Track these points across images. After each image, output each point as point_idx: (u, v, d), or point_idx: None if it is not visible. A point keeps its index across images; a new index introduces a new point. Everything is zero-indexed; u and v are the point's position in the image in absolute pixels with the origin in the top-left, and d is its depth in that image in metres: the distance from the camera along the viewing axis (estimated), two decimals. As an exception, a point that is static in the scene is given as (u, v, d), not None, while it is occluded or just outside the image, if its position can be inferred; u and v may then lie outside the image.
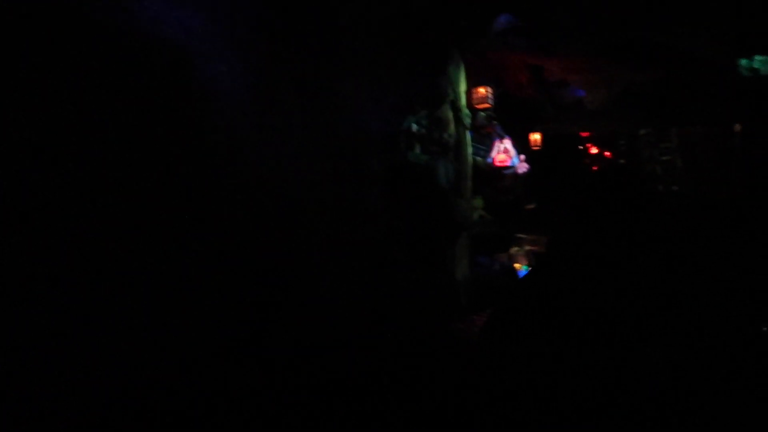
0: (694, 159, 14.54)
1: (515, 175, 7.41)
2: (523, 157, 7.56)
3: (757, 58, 6.11)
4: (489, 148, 7.00)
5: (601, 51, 6.33)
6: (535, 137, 8.16)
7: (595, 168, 16.36)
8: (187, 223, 3.28)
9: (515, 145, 7.66)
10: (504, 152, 6.90)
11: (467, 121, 6.38)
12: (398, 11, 5.35)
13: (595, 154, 16.98)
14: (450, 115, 6.10)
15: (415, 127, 4.80)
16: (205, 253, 3.49)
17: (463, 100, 6.49)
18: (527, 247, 8.06)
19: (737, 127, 11.66)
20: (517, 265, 7.44)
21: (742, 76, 6.36)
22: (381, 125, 4.88)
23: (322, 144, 4.40)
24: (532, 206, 7.83)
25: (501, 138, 7.08)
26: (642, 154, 16.17)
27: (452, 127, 6.09)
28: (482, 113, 6.74)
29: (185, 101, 3.37)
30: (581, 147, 16.28)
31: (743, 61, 6.22)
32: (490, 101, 6.51)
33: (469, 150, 6.57)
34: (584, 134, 17.40)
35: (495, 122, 6.82)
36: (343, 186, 4.55)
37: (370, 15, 5.05)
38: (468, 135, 6.57)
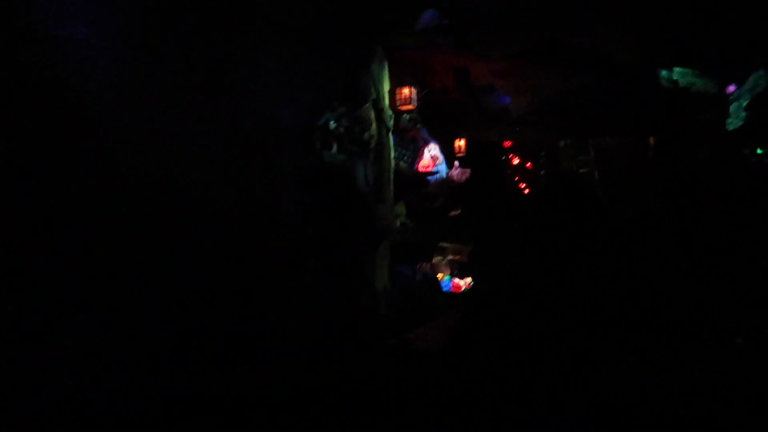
0: (610, 171, 14.99)
1: (443, 181, 7.15)
2: (457, 164, 7.32)
3: (677, 69, 6.17)
4: (414, 152, 6.71)
5: (526, 55, 6.18)
6: (460, 144, 7.97)
7: (517, 178, 16.64)
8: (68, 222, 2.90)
9: (443, 150, 7.41)
10: (430, 158, 6.62)
11: (390, 122, 6.04)
12: (318, 2, 4.94)
13: (518, 165, 17.27)
14: (372, 114, 5.73)
15: (332, 124, 4.39)
16: (86, 257, 3.02)
17: (387, 101, 6.15)
18: (450, 257, 7.83)
19: (652, 139, 12.11)
20: (440, 275, 7.16)
21: (662, 87, 6.42)
22: (295, 122, 4.44)
23: (228, 143, 3.90)
24: (456, 213, 7.60)
25: (427, 142, 6.80)
26: (561, 166, 16.57)
27: (374, 127, 5.73)
28: (406, 115, 6.42)
29: (62, 94, 2.93)
30: (504, 157, 16.48)
31: (663, 73, 6.26)
32: (414, 103, 6.20)
33: (392, 153, 6.23)
34: (507, 144, 17.66)
35: (420, 126, 6.52)
36: (250, 188, 4.07)
37: (286, 6, 4.61)
38: (391, 137, 6.23)
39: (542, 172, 17.37)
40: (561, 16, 5.76)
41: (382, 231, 5.64)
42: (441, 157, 7.17)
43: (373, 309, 5.64)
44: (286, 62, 4.49)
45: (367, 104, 5.70)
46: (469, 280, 8.34)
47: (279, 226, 4.20)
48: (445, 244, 7.23)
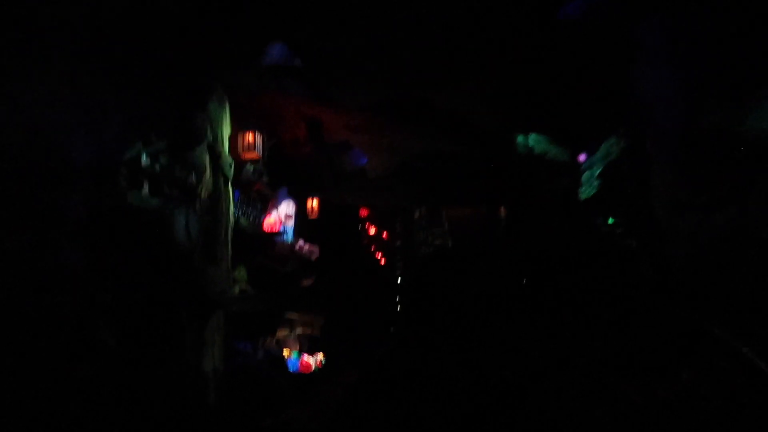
0: (463, 242, 15.19)
1: (292, 245, 6.32)
2: (302, 242, 6.56)
3: (532, 136, 6.12)
4: (260, 209, 5.85)
5: (384, 110, 5.76)
6: (313, 204, 7.27)
7: (373, 248, 16.27)
8: None
9: (298, 212, 6.64)
10: (277, 217, 5.80)
11: (230, 171, 5.17)
12: (138, 20, 4.07)
13: (374, 235, 16.98)
14: (206, 159, 4.84)
15: (145, 160, 3.44)
16: None
17: (226, 147, 5.31)
18: (299, 330, 6.90)
19: (502, 210, 12.43)
20: (286, 352, 6.19)
21: (519, 155, 6.35)
22: (94, 154, 3.43)
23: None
24: (309, 282, 6.78)
25: (275, 199, 5.99)
26: (416, 237, 16.57)
27: (208, 174, 4.83)
28: (250, 166, 5.60)
29: None
30: (360, 226, 16.11)
31: (520, 138, 6.19)
32: (259, 151, 5.42)
33: (231, 208, 5.32)
34: (364, 213, 17.40)
35: (265, 179, 5.73)
36: (16, 234, 2.94)
37: (89, 20, 3.68)
38: (230, 189, 5.35)
39: (398, 243, 17.27)
40: (421, 71, 5.43)
41: (213, 299, 4.63)
42: (293, 218, 6.40)
43: (199, 399, 4.53)
44: (89, 87, 3.52)
45: (201, 147, 4.81)
46: (320, 357, 7.43)
47: (59, 289, 3.08)
48: (293, 316, 6.31)
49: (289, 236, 6.34)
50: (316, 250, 6.58)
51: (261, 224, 5.72)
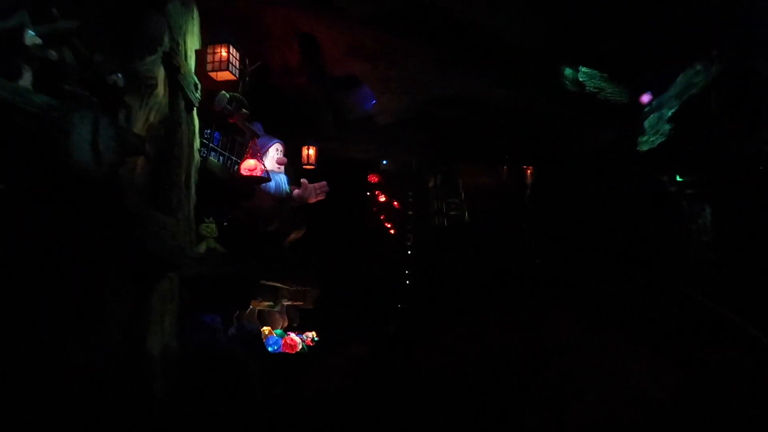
0: (481, 214, 13.98)
1: (280, 197, 5.16)
2: (305, 181, 5.39)
3: (584, 69, 4.86)
4: (238, 148, 4.68)
5: (395, 24, 4.52)
6: (309, 152, 6.11)
7: (383, 217, 15.10)
8: None
9: (288, 155, 5.47)
10: (257, 157, 4.63)
11: (193, 93, 4.00)
12: None
13: (384, 203, 15.79)
14: (161, 74, 3.67)
15: (32, 37, 2.28)
16: None
17: (192, 63, 4.14)
18: (286, 302, 5.79)
19: (529, 175, 11.14)
20: (266, 329, 5.07)
21: (560, 94, 5.08)
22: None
23: None
24: (296, 237, 5.61)
25: (256, 137, 4.80)
26: (430, 207, 15.36)
27: (161, 93, 3.66)
28: (226, 95, 4.42)
29: None
30: (369, 193, 14.92)
31: (568, 71, 4.93)
32: (235, 72, 4.24)
33: (196, 143, 4.16)
34: (374, 178, 16.20)
35: (245, 111, 4.54)
36: None
37: None
38: (195, 119, 4.19)
39: (410, 212, 16.07)
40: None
41: (161, 257, 3.51)
42: (282, 162, 5.23)
43: (141, 386, 3.45)
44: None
45: (155, 57, 3.64)
46: (311, 335, 6.34)
47: None
48: (277, 284, 5.19)
49: (281, 185, 5.19)
50: (323, 187, 5.42)
51: (236, 167, 4.56)
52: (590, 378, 3.40)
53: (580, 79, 4.92)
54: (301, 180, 5.34)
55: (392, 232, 15.19)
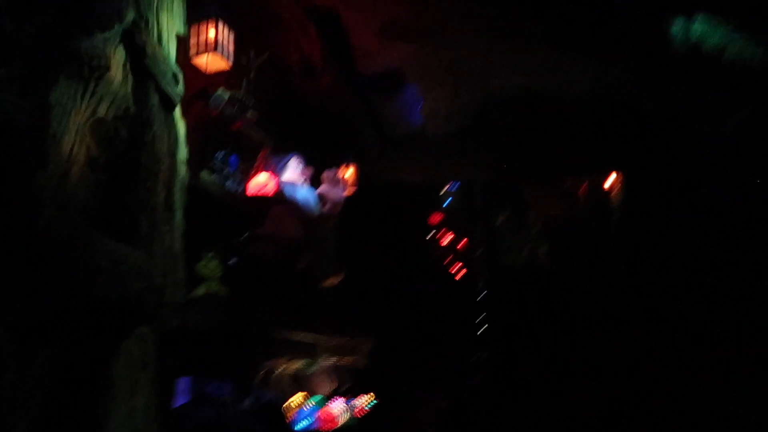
0: (558, 249, 12.46)
1: (313, 217, 4.11)
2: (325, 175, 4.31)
3: (701, 20, 3.56)
4: (243, 163, 3.68)
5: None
6: (347, 174, 5.06)
7: (448, 260, 13.79)
8: None
9: (309, 172, 4.43)
10: (270, 170, 3.60)
11: (172, 86, 3.03)
12: None
13: (448, 244, 14.51)
14: (118, 57, 2.72)
15: None
16: None
17: (171, 49, 3.19)
18: (329, 359, 4.60)
19: (614, 191, 9.63)
20: (298, 397, 3.88)
21: (668, 56, 3.81)
22: None
23: None
24: (335, 281, 4.47)
25: (267, 148, 3.77)
26: (500, 244, 13.95)
27: (117, 79, 2.69)
28: (224, 94, 3.44)
29: None
30: (431, 236, 13.72)
31: (678, 24, 3.64)
32: (227, 55, 3.26)
33: (180, 153, 3.16)
34: (435, 219, 15.01)
35: (252, 114, 3.54)
36: None
37: None
38: (179, 124, 3.20)
39: (478, 252, 14.68)
40: None
41: (123, 303, 2.47)
42: (303, 179, 4.19)
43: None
44: None
45: (109, 33, 2.71)
46: (366, 399, 5.10)
47: None
48: (311, 338, 4.03)
49: (309, 202, 4.13)
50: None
51: (242, 184, 3.53)
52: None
53: (695, 35, 3.61)
54: (317, 192, 4.27)
55: (459, 276, 13.85)
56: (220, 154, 4.02)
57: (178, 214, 3.12)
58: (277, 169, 4.15)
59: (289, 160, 4.19)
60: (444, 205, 14.59)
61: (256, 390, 3.53)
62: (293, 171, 4.27)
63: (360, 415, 4.72)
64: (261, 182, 3.54)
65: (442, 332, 9.52)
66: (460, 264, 13.80)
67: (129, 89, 2.81)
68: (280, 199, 3.66)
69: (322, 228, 4.34)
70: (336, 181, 4.26)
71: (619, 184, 8.41)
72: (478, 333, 11.37)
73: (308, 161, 4.43)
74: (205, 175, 3.39)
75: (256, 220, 3.66)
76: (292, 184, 4.17)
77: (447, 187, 13.67)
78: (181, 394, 3.30)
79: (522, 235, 13.56)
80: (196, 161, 3.78)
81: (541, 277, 11.84)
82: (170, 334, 2.83)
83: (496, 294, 12.54)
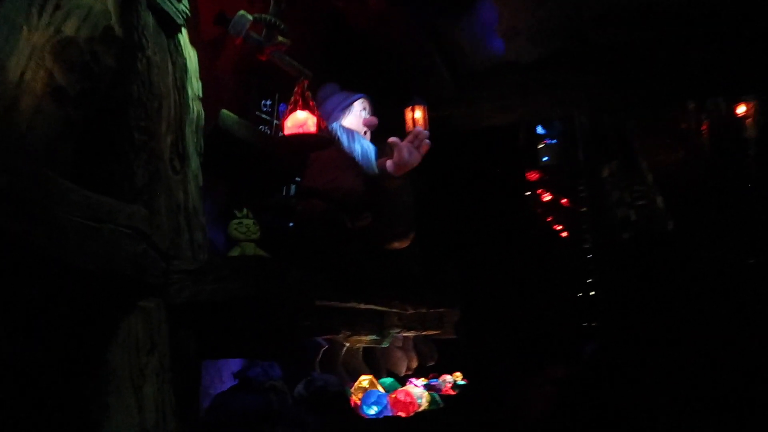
0: (678, 199, 11.02)
1: (374, 173, 3.46)
2: (394, 140, 3.55)
3: None
4: (278, 100, 3.07)
5: None
6: (415, 115, 4.35)
7: (550, 218, 12.69)
8: None
9: (373, 122, 3.72)
10: (311, 108, 2.96)
11: (172, 3, 2.45)
12: None
13: (549, 202, 13.38)
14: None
15: None
16: None
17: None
18: (404, 333, 3.96)
19: (750, 130, 8.17)
20: (364, 380, 3.26)
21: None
22: None
23: None
24: (403, 243, 3.78)
25: (305, 77, 3.11)
26: (608, 199, 12.63)
27: (101, 1, 2.14)
28: (247, 15, 2.84)
29: None
30: (529, 192, 12.65)
31: None
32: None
33: (192, 88, 2.58)
34: (533, 176, 13.89)
35: (282, 40, 2.91)
36: None
37: None
38: (191, 52, 2.63)
39: (584, 209, 13.42)
40: None
41: (126, 273, 1.96)
42: (371, 124, 3.52)
43: None
44: None
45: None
46: (454, 378, 4.44)
47: None
48: (379, 309, 3.40)
49: (369, 156, 3.48)
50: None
51: (279, 124, 2.92)
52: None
53: None
54: (389, 140, 3.53)
55: (563, 235, 12.71)
56: (267, 102, 3.47)
57: (194, 162, 2.57)
58: (336, 111, 3.53)
59: (353, 101, 3.55)
60: (540, 156, 13.48)
61: (313, 372, 2.96)
62: (356, 117, 3.62)
63: (447, 394, 4.07)
64: (299, 121, 2.91)
65: (543, 299, 8.63)
66: (562, 224, 12.67)
67: (109, 4, 2.27)
68: (330, 145, 3.04)
69: (389, 186, 3.67)
70: (407, 149, 3.51)
71: (756, 113, 7.06)
72: (586, 299, 10.32)
73: (369, 98, 3.74)
74: (225, 112, 2.81)
75: (297, 166, 3.06)
76: (352, 133, 3.52)
77: (540, 133, 12.54)
78: (220, 380, 2.79)
79: (632, 187, 12.19)
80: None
81: (657, 234, 10.53)
82: (188, 308, 2.29)
83: (606, 255, 11.35)
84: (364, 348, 3.83)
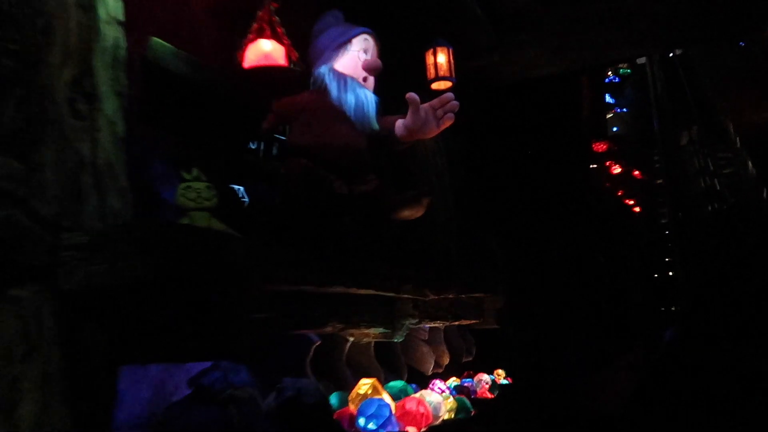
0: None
1: (371, 130, 2.76)
2: (412, 96, 2.79)
3: None
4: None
5: None
6: (439, 60, 3.58)
7: (620, 192, 11.52)
8: None
9: (377, 66, 2.99)
10: (280, 36, 2.28)
11: None
12: None
13: (620, 174, 12.17)
14: None
15: None
16: None
17: None
18: (424, 323, 3.25)
19: None
20: (365, 385, 2.58)
21: None
22: None
23: None
24: (415, 213, 3.04)
25: (275, 5, 2.41)
26: (689, 169, 11.33)
27: None
28: None
29: None
30: (596, 165, 11.54)
31: None
32: None
33: (106, 7, 1.97)
34: (600, 148, 12.72)
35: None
36: None
37: None
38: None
39: (659, 182, 12.16)
40: None
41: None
42: (373, 68, 2.79)
43: None
44: None
45: None
46: (496, 376, 3.71)
47: None
48: (387, 294, 2.72)
49: (365, 107, 2.78)
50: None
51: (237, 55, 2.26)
52: None
53: None
54: (408, 96, 2.81)
55: (636, 210, 11.53)
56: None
57: (110, 105, 1.97)
58: (329, 50, 2.86)
59: (351, 37, 2.85)
60: (610, 126, 12.28)
61: (285, 378, 2.32)
62: (353, 58, 2.90)
63: (484, 394, 3.34)
64: (263, 50, 2.25)
65: (614, 281, 7.69)
66: (634, 198, 11.49)
67: None
68: (289, 70, 2.35)
69: (392, 150, 2.97)
70: (428, 113, 2.76)
71: None
72: (664, 280, 9.22)
73: (374, 33, 3.02)
74: (156, 40, 2.19)
75: (252, 111, 2.39)
76: (345, 79, 2.82)
77: (608, 102, 11.48)
78: (160, 386, 2.20)
79: (716, 154, 10.88)
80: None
81: (748, 205, 9.26)
82: (84, 295, 1.69)
83: (686, 231, 10.15)
84: (382, 341, 3.16)
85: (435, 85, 3.70)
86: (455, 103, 2.71)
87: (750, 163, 9.36)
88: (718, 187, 9.65)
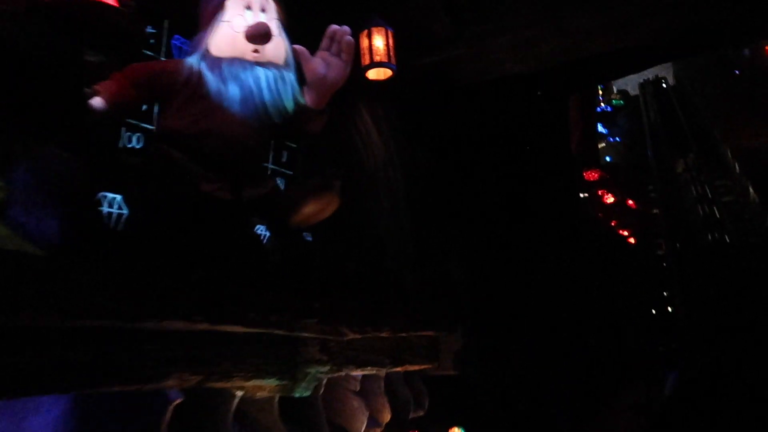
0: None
1: (269, 119, 2.10)
2: (300, 49, 2.15)
3: None
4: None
5: None
6: (375, 43, 2.93)
7: (614, 223, 10.83)
8: None
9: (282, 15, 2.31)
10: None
11: None
12: None
13: (613, 204, 11.51)
14: None
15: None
16: None
17: None
18: (344, 370, 2.51)
19: None
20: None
21: None
22: None
23: None
24: (312, 210, 2.30)
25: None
26: (686, 197, 10.69)
27: None
28: None
29: None
30: (586, 194, 10.89)
31: None
32: None
33: None
34: (592, 176, 12.11)
35: None
36: None
37: None
38: None
39: (655, 211, 11.50)
40: None
41: None
42: (259, 33, 2.12)
43: None
44: None
45: None
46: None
47: None
48: (276, 332, 2.01)
49: (259, 88, 2.11)
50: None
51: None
52: None
53: None
54: (293, 48, 2.13)
55: (631, 241, 10.82)
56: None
57: None
58: (204, 20, 2.22)
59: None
60: (602, 156, 11.71)
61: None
62: (227, 34, 2.21)
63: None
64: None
65: (606, 317, 6.98)
66: (629, 229, 10.80)
67: None
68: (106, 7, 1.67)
69: (312, 130, 2.30)
70: (325, 61, 2.14)
71: None
72: (662, 316, 8.48)
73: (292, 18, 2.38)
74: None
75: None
76: (221, 65, 2.13)
77: (601, 132, 11.00)
78: None
79: (714, 182, 10.28)
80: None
81: (750, 234, 8.59)
82: None
83: (684, 263, 9.45)
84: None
85: (371, 74, 3.04)
86: (344, 28, 2.09)
87: (751, 190, 8.72)
88: (718, 215, 8.98)
